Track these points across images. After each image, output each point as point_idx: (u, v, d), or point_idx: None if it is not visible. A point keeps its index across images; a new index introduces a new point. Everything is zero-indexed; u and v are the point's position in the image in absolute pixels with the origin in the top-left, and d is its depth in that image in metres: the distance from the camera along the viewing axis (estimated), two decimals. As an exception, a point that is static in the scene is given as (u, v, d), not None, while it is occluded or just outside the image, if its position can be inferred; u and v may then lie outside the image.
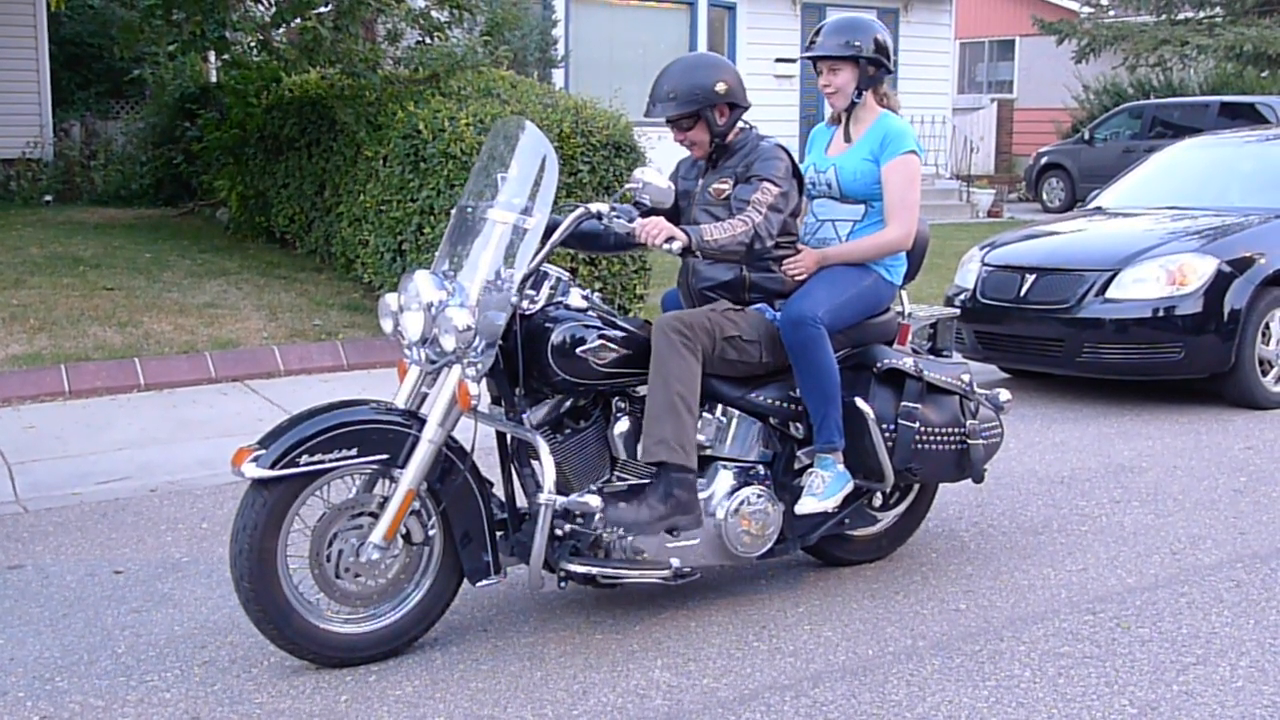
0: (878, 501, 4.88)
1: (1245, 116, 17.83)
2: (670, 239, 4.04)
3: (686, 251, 4.09)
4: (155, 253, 11.09)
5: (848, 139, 4.70)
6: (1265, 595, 4.58)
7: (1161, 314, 7.50)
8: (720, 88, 4.32)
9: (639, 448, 4.21)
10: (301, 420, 3.91)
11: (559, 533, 4.14)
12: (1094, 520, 5.48)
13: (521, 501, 4.25)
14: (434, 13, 10.10)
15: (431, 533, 4.08)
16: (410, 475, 3.92)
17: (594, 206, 4.14)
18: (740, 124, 4.47)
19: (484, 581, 4.10)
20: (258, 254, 11.42)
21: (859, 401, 4.45)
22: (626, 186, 4.20)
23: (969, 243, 9.91)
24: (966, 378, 4.72)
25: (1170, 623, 4.34)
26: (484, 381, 4.07)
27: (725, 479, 4.37)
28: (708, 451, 4.40)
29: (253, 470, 3.75)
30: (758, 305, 4.43)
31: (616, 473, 4.29)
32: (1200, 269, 7.56)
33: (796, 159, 4.49)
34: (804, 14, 18.53)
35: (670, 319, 4.19)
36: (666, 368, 4.11)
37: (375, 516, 3.97)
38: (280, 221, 11.48)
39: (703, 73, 4.37)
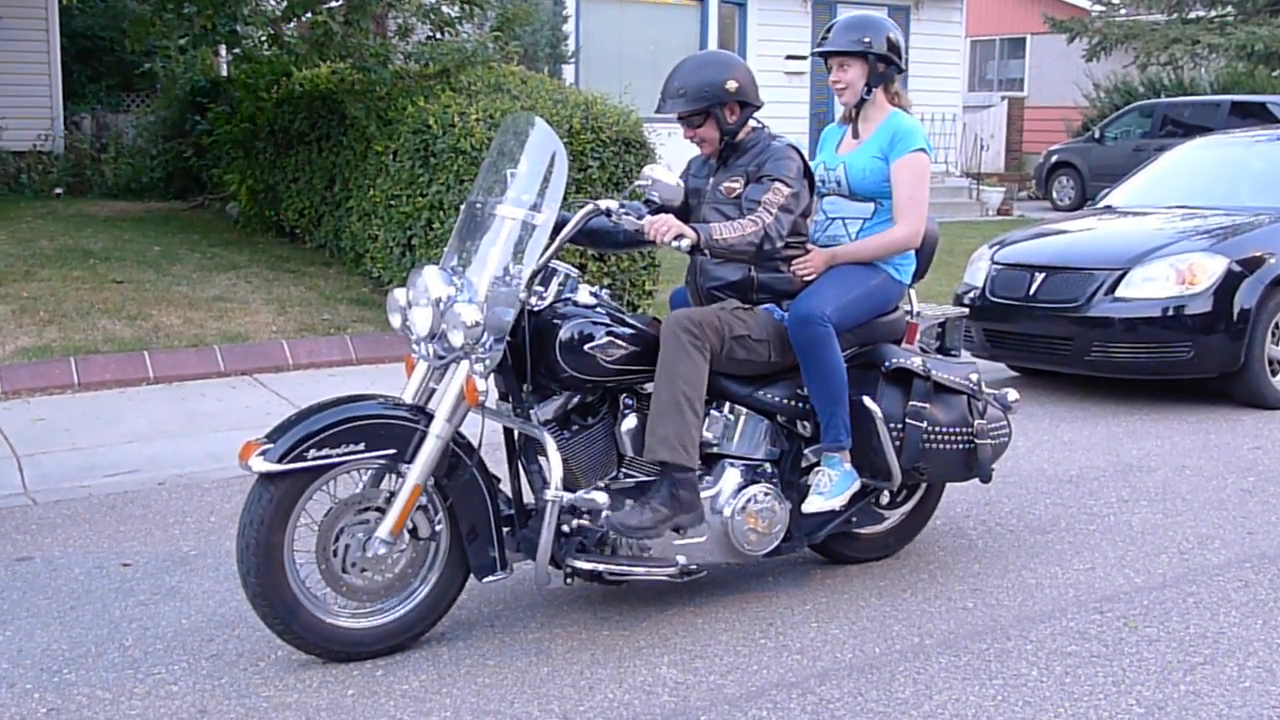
0: (885, 500, 4.88)
1: (1256, 116, 17.79)
2: (679, 236, 4.03)
3: (695, 249, 4.09)
4: (165, 246, 11.11)
5: (856, 136, 4.69)
6: (1273, 595, 4.58)
7: (1171, 313, 7.49)
8: (731, 86, 4.31)
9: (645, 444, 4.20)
10: (309, 415, 3.92)
11: (566, 529, 4.13)
12: (1102, 519, 5.48)
13: (528, 497, 4.25)
14: (445, 8, 10.12)
15: (438, 528, 4.09)
16: (417, 470, 3.92)
17: (603, 203, 4.14)
18: (752, 122, 4.46)
19: (490, 577, 4.11)
20: (267, 248, 11.44)
21: (867, 400, 4.44)
22: (636, 184, 4.20)
23: (978, 241, 9.90)
24: (975, 377, 4.71)
25: (1178, 622, 4.33)
26: (492, 377, 4.08)
27: (732, 476, 4.37)
28: (715, 449, 4.40)
29: (260, 464, 3.76)
30: (766, 305, 4.42)
31: (624, 469, 4.30)
32: (1210, 268, 7.54)
33: (808, 157, 4.48)
34: (815, 11, 18.50)
35: (680, 317, 4.18)
36: (674, 367, 4.10)
37: (382, 511, 3.97)
38: (290, 216, 11.49)
39: (714, 70, 4.36)
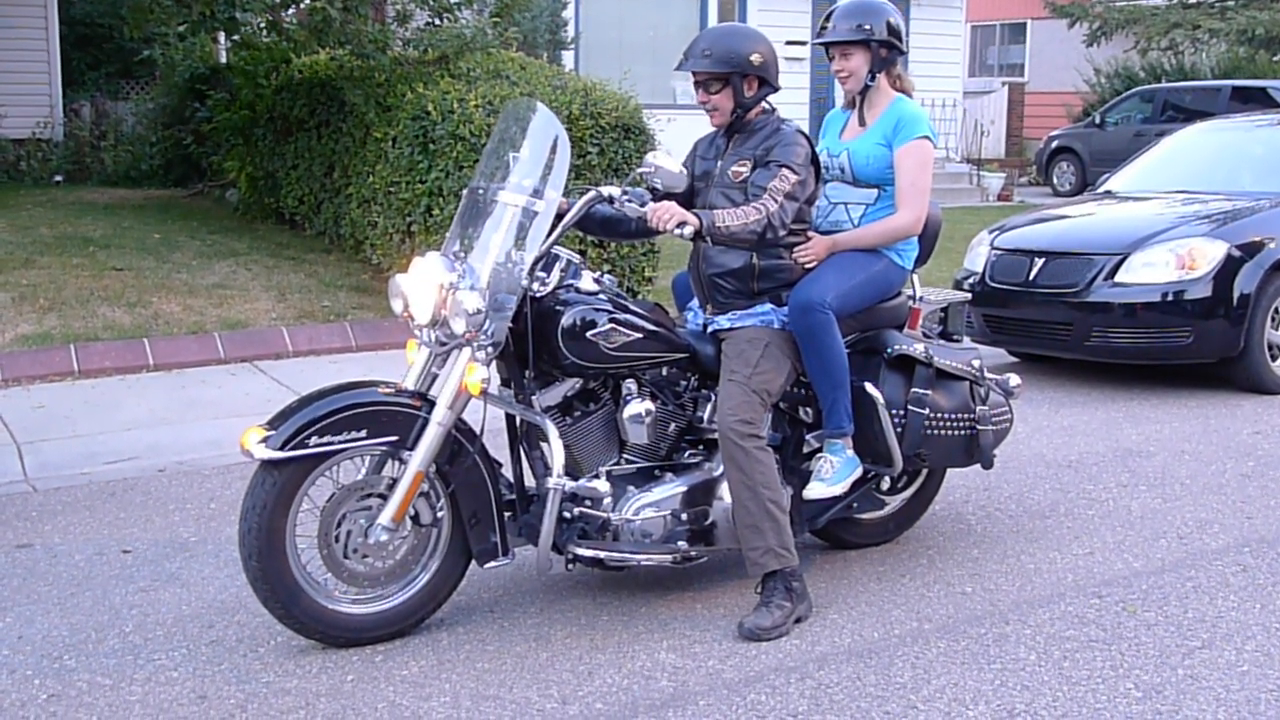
0: (886, 485, 4.88)
1: (1257, 101, 17.75)
2: (682, 224, 4.01)
3: (698, 236, 4.08)
4: (165, 233, 11.10)
5: (862, 123, 4.67)
6: (1272, 580, 4.59)
7: (1170, 298, 7.49)
8: (755, 59, 4.28)
9: (745, 560, 4.22)
10: (311, 401, 3.92)
11: (567, 516, 4.15)
12: (1101, 504, 5.48)
13: (530, 483, 4.25)
14: (443, -6, 10.09)
15: (440, 514, 4.09)
16: (419, 457, 3.93)
17: (605, 190, 4.12)
18: (764, 104, 4.43)
19: (492, 563, 4.12)
20: (267, 235, 11.43)
21: (869, 387, 4.44)
22: (638, 170, 4.17)
23: (979, 226, 9.88)
24: (977, 363, 4.70)
25: (1176, 607, 4.34)
26: (494, 364, 4.08)
27: (734, 463, 4.36)
28: (716, 435, 4.39)
29: (262, 451, 3.76)
30: (764, 316, 4.38)
31: (625, 455, 4.30)
32: (1210, 253, 7.54)
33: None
34: (815, -4, 18.45)
35: (730, 420, 4.13)
36: (750, 476, 4.13)
37: (384, 498, 3.98)
38: (289, 203, 11.48)
39: (741, 39, 4.33)
